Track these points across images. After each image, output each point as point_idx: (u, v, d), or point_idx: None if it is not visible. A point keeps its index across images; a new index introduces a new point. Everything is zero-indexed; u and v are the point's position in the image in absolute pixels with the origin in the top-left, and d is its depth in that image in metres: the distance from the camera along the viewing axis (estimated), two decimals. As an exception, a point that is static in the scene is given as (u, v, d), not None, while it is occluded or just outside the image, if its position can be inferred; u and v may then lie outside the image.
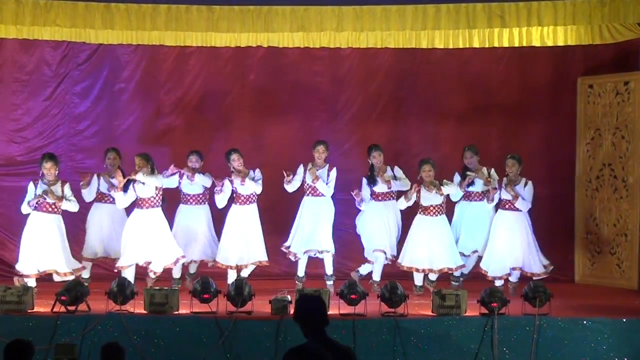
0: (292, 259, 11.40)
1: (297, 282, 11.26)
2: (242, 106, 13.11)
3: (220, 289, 9.65)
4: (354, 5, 11.08)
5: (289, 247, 11.36)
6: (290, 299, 9.59)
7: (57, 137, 12.84)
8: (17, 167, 12.80)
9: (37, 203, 10.69)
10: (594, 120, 12.67)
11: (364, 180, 11.42)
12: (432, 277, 11.18)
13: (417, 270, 11.11)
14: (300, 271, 11.37)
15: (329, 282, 11.09)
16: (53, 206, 10.74)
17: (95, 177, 11.41)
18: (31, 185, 10.84)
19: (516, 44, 11.31)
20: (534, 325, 9.30)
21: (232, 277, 11.10)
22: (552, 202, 12.55)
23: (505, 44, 11.32)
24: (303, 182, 11.34)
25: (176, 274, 11.46)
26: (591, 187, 12.68)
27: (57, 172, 10.86)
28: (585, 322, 9.42)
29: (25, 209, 10.79)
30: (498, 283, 11.02)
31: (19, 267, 10.81)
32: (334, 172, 11.30)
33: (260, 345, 9.22)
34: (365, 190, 11.39)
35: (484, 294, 9.55)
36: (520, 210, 11.08)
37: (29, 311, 9.58)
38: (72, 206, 10.85)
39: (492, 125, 13.04)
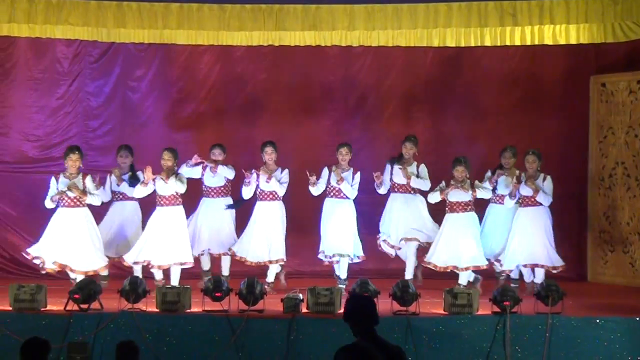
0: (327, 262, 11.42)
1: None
2: (253, 105, 13.13)
3: (231, 288, 9.67)
4: (366, 4, 11.06)
5: (324, 251, 11.34)
6: (302, 298, 9.60)
7: (70, 136, 12.87)
8: (30, 165, 12.86)
9: (60, 199, 10.71)
10: (607, 118, 12.64)
11: (387, 164, 11.47)
12: (463, 280, 11.00)
13: (443, 268, 11.02)
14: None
15: (341, 286, 11.04)
16: (77, 200, 10.74)
17: (107, 177, 11.39)
18: (53, 180, 10.83)
19: (528, 43, 11.27)
20: (546, 324, 9.27)
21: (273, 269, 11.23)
22: (565, 200, 12.48)
23: (517, 43, 11.27)
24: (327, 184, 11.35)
25: (205, 265, 11.45)
26: (604, 186, 12.65)
27: (80, 166, 10.87)
28: (598, 321, 9.38)
29: (48, 203, 10.80)
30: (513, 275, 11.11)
31: (32, 250, 10.74)
32: (358, 176, 11.28)
33: (272, 343, 9.23)
34: (386, 174, 11.42)
35: (496, 293, 9.54)
36: (540, 206, 11.02)
37: (42, 309, 9.60)
38: (96, 200, 10.82)
39: (503, 124, 13.02)
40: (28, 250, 10.85)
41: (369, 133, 13.03)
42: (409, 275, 11.35)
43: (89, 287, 9.64)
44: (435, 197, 11.13)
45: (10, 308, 9.56)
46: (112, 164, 11.85)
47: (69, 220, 10.71)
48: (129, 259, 10.88)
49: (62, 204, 10.73)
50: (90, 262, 10.72)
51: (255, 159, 11.64)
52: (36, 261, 10.74)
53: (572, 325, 9.35)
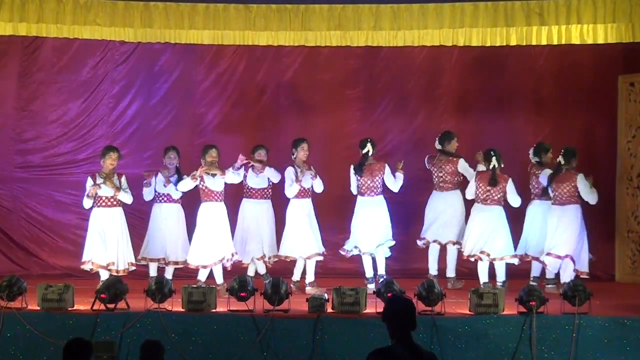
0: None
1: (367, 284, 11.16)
2: (278, 104, 13.17)
3: (257, 288, 9.69)
4: (392, 4, 11.05)
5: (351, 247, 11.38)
6: (327, 297, 9.60)
7: (96, 137, 12.93)
8: (56, 167, 12.91)
9: (96, 195, 10.76)
10: (636, 118, 12.57)
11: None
12: (500, 277, 10.98)
13: (476, 257, 11.05)
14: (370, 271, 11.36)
15: (370, 285, 11.01)
16: (112, 200, 10.81)
17: (153, 177, 11.36)
18: (89, 179, 10.89)
19: (555, 42, 11.21)
20: (573, 324, 9.23)
21: (300, 266, 11.26)
22: (592, 200, 12.46)
23: (544, 42, 11.22)
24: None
25: (261, 269, 11.48)
26: (632, 185, 12.58)
27: (115, 166, 10.92)
28: (625, 321, 9.34)
29: (86, 203, 10.88)
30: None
31: (85, 266, 10.84)
32: (387, 169, 11.31)
33: (297, 343, 9.25)
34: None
35: (522, 293, 9.50)
36: (570, 205, 10.98)
37: (70, 309, 9.66)
38: (127, 198, 10.88)
39: (531, 123, 13.02)
40: (82, 267, 10.92)
41: (394, 132, 13.02)
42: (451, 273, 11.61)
43: (116, 287, 9.70)
44: (470, 193, 11.24)
45: (38, 308, 9.62)
46: (137, 164, 11.89)
47: (105, 219, 10.81)
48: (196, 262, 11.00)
49: (97, 204, 10.82)
50: (127, 261, 10.92)
51: (281, 158, 11.64)
52: (101, 270, 10.83)
53: (599, 326, 9.31)
